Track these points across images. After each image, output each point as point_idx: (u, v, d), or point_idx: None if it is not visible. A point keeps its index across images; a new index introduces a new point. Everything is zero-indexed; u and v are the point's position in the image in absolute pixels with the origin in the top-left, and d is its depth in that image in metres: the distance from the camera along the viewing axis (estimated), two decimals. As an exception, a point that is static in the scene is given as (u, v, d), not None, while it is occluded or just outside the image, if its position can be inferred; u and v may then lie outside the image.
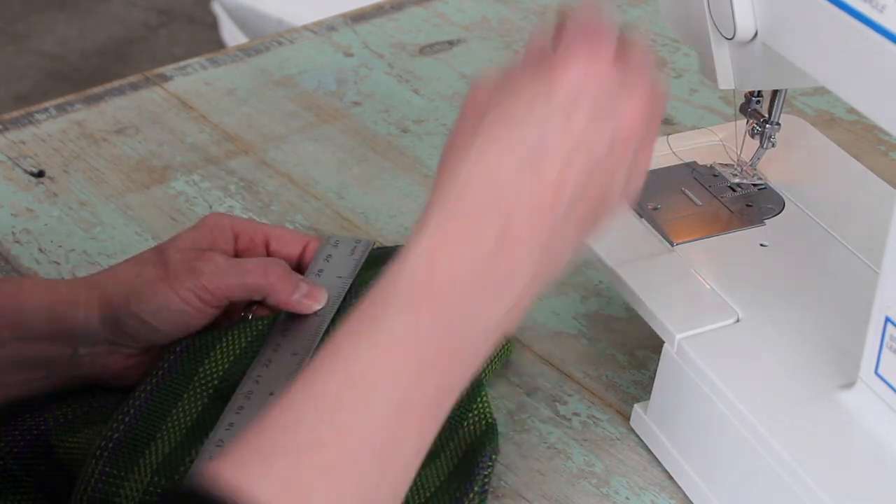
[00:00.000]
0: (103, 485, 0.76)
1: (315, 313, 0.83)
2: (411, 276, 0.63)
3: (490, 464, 0.79)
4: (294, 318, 0.83)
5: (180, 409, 0.81)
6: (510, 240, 0.64)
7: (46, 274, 0.97)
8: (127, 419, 0.79)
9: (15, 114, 1.15)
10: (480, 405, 0.82)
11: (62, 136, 1.13)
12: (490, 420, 0.81)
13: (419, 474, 0.79)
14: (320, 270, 0.85)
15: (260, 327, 0.84)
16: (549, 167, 0.64)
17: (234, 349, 0.83)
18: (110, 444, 0.78)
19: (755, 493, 0.75)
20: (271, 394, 0.79)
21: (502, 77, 0.67)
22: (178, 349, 0.83)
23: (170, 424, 0.80)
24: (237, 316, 0.85)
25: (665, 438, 0.82)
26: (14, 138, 1.12)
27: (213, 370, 0.82)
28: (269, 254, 0.86)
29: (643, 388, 0.88)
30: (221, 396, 0.81)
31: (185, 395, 0.81)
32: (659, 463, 0.83)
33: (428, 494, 0.78)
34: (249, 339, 0.84)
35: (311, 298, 0.83)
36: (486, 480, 0.79)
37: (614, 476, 0.83)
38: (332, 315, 0.83)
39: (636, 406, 0.85)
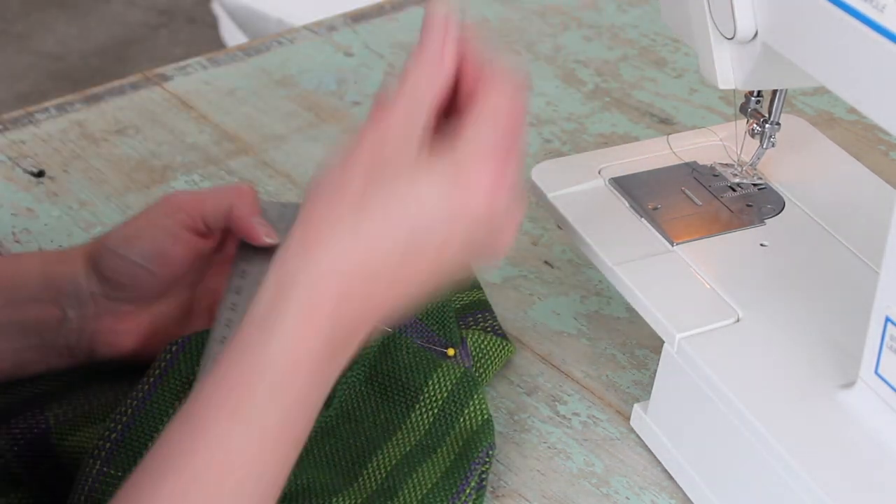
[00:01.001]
0: (101, 484, 0.76)
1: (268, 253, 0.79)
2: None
3: (487, 459, 0.79)
4: (249, 266, 0.82)
5: (178, 409, 0.81)
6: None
7: (46, 274, 0.98)
8: (125, 419, 0.79)
9: (15, 114, 1.15)
10: (477, 401, 0.82)
11: (62, 135, 1.13)
12: (486, 415, 0.81)
13: (415, 470, 0.79)
14: (248, 250, 0.83)
15: None
16: (424, 255, 0.66)
17: None
18: (108, 444, 0.78)
19: (755, 493, 0.75)
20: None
21: (404, 137, 0.67)
22: (174, 349, 0.83)
23: (167, 424, 0.80)
24: (222, 269, 0.85)
25: (665, 438, 0.82)
26: (14, 138, 1.12)
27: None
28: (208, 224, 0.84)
29: (643, 388, 0.88)
30: None
31: (183, 396, 0.81)
32: (659, 463, 0.83)
33: (424, 491, 0.78)
34: None
35: (267, 229, 0.81)
36: (483, 477, 0.79)
37: (614, 476, 0.83)
38: None
39: (636, 406, 0.85)
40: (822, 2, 0.73)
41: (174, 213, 0.81)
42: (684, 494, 0.81)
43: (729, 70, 0.84)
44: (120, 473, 0.76)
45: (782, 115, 0.89)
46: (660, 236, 0.87)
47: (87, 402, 0.83)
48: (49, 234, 1.02)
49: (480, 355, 0.87)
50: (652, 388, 0.83)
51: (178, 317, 0.85)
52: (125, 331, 0.83)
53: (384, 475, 0.79)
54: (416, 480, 0.78)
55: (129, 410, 0.80)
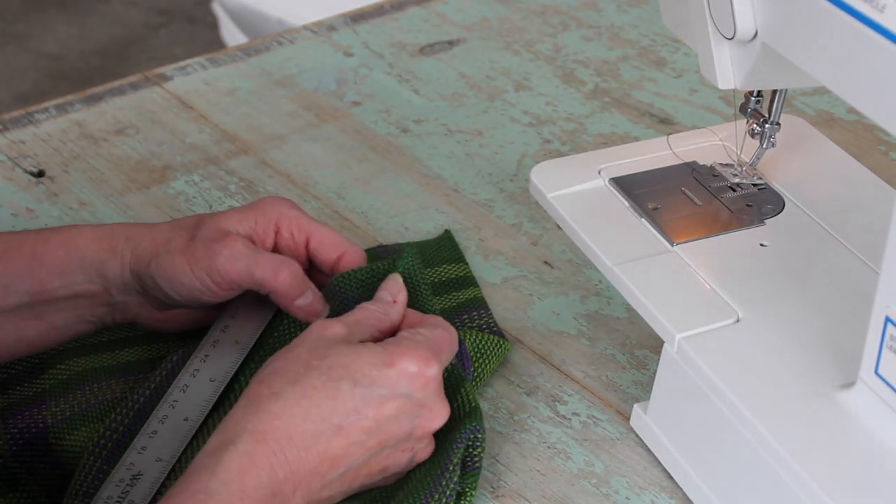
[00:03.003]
0: (101, 483, 0.76)
1: (236, 343, 0.85)
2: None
3: (473, 440, 0.79)
4: (216, 346, 0.84)
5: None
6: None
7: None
8: (127, 420, 0.80)
9: (15, 114, 1.15)
10: (464, 393, 0.82)
11: (62, 135, 1.13)
12: (473, 403, 0.81)
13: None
14: (243, 294, 0.85)
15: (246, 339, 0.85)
16: (346, 438, 0.73)
17: None
18: (109, 444, 0.78)
19: (755, 493, 0.75)
20: (185, 419, 0.80)
21: (344, 337, 0.77)
22: (175, 358, 0.83)
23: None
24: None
25: (665, 438, 0.82)
26: (14, 138, 1.12)
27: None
28: (308, 252, 0.87)
29: (643, 388, 0.88)
30: (218, 402, 0.82)
31: None
32: (659, 463, 0.83)
33: (418, 476, 0.78)
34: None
35: (311, 310, 0.84)
36: (475, 459, 0.79)
37: (614, 476, 0.83)
38: (249, 347, 0.84)
39: (636, 406, 0.85)
40: (822, 2, 0.73)
41: (213, 274, 0.83)
42: (684, 494, 0.81)
43: (729, 70, 0.84)
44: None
45: (782, 115, 0.89)
46: (660, 236, 0.87)
47: (84, 401, 0.83)
48: (49, 234, 1.01)
49: (478, 354, 0.87)
50: (652, 388, 0.83)
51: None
52: (168, 319, 0.86)
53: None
54: (410, 478, 0.79)
55: (132, 413, 0.80)
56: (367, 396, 0.74)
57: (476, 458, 0.79)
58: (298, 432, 0.72)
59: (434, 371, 0.76)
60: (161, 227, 0.85)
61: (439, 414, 0.77)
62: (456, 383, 0.82)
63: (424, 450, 0.78)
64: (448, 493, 0.76)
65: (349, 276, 0.85)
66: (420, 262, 0.89)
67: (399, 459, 0.77)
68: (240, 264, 0.82)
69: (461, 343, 0.85)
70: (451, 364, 0.84)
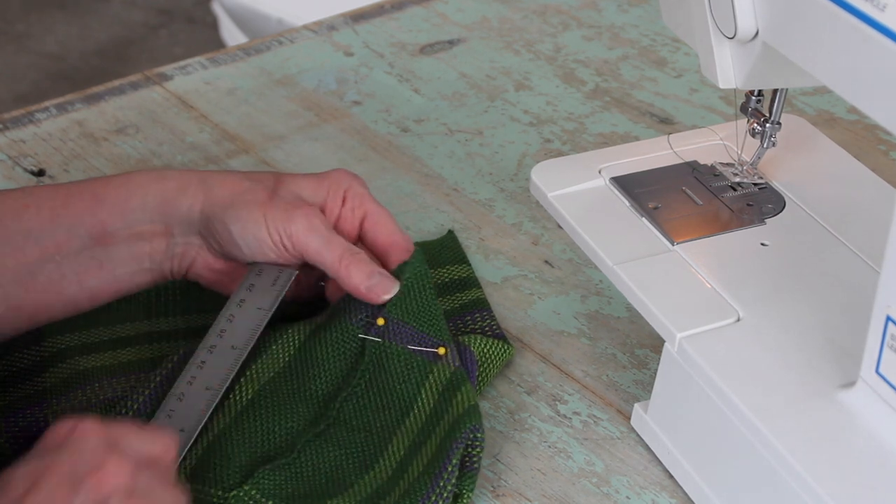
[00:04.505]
0: None
1: (233, 348, 0.83)
2: None
3: (474, 441, 0.79)
4: (213, 352, 0.84)
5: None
6: None
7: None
8: (130, 414, 0.80)
9: (15, 113, 1.15)
10: (463, 392, 0.82)
11: (62, 135, 1.13)
12: (472, 402, 0.81)
13: (409, 465, 0.79)
14: (242, 300, 0.86)
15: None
16: None
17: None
18: None
19: (755, 493, 0.75)
20: (207, 388, 0.80)
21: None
22: (176, 358, 0.84)
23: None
24: (310, 284, 0.89)
25: (665, 438, 0.82)
26: (14, 137, 1.12)
27: None
28: (361, 228, 0.89)
29: (644, 388, 0.88)
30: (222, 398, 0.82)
31: None
32: (659, 462, 0.83)
33: (416, 474, 0.78)
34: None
35: (381, 288, 0.85)
36: (473, 459, 0.79)
37: (615, 475, 0.83)
38: (246, 351, 0.84)
39: (636, 405, 0.85)
40: (822, 1, 0.73)
41: (285, 238, 0.84)
42: (684, 494, 0.81)
43: (729, 69, 0.84)
44: None
45: (783, 114, 0.89)
46: (660, 236, 0.87)
47: (86, 399, 0.83)
48: (49, 233, 1.01)
49: (483, 359, 0.87)
50: (652, 387, 0.83)
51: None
52: (219, 270, 0.87)
53: (383, 481, 0.79)
54: (407, 475, 0.79)
55: (135, 405, 0.80)
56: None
57: (475, 459, 0.79)
58: None
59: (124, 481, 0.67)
60: (237, 176, 0.87)
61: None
62: (457, 383, 0.82)
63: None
64: (445, 494, 0.76)
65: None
66: (425, 265, 0.89)
67: None
68: (313, 240, 0.84)
69: (466, 349, 0.86)
70: (453, 367, 0.84)
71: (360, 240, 0.89)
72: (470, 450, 0.79)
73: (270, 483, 0.77)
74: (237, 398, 0.82)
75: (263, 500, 0.76)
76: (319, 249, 0.84)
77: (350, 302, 0.86)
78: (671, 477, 0.82)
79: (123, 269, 0.85)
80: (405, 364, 0.84)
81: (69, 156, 1.10)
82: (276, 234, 0.84)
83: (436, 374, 0.84)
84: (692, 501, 0.81)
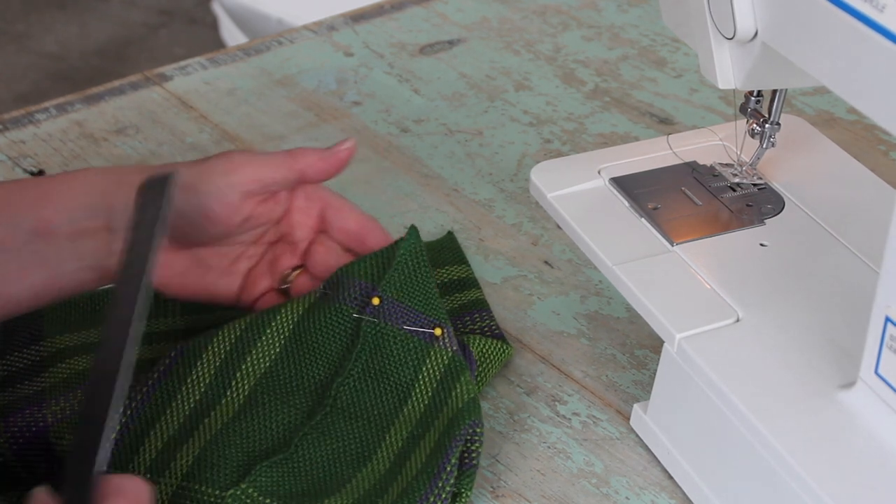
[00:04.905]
0: None
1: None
2: None
3: (473, 437, 0.79)
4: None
5: (173, 410, 0.81)
6: None
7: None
8: (124, 419, 0.80)
9: (15, 114, 1.15)
10: (463, 383, 0.82)
11: (62, 135, 1.13)
12: (472, 394, 0.81)
13: (407, 459, 0.79)
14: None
15: (239, 333, 0.85)
16: None
17: (221, 353, 0.84)
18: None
19: (755, 493, 0.75)
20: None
21: None
22: (172, 354, 0.83)
23: (163, 424, 0.80)
24: (273, 286, 0.88)
25: (665, 438, 0.82)
26: (14, 138, 1.12)
27: (203, 374, 0.83)
28: (324, 222, 0.89)
29: (643, 388, 0.88)
30: (210, 398, 0.82)
31: (180, 395, 0.82)
32: (659, 463, 0.83)
33: (410, 478, 0.78)
34: (231, 344, 0.85)
35: (336, 149, 0.87)
36: (473, 456, 0.78)
37: (614, 476, 0.83)
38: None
39: (636, 406, 0.85)
40: (822, 2, 0.73)
41: (229, 173, 0.84)
42: (684, 494, 0.81)
43: (729, 70, 0.84)
44: (118, 470, 0.76)
45: (782, 115, 0.89)
46: (660, 236, 0.87)
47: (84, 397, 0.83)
48: (49, 233, 1.01)
49: (483, 359, 0.87)
50: (652, 388, 0.83)
51: (220, 267, 0.87)
52: (169, 267, 0.86)
53: (380, 474, 0.79)
54: (405, 471, 0.79)
55: (129, 412, 0.80)
56: None
57: (473, 455, 0.79)
58: None
59: None
60: (173, 164, 0.86)
61: None
62: (455, 372, 0.82)
63: None
64: (444, 496, 0.76)
65: (355, 266, 0.86)
66: (421, 242, 0.89)
67: None
68: (255, 161, 0.84)
69: (466, 348, 0.86)
70: (451, 351, 0.84)
71: (323, 233, 0.88)
72: (469, 445, 0.79)
73: (268, 480, 0.77)
74: (235, 394, 0.82)
75: (261, 498, 0.76)
76: (264, 165, 0.84)
77: (343, 280, 0.85)
78: (670, 477, 0.82)
79: (66, 266, 0.83)
80: (401, 346, 0.84)
81: (69, 156, 1.10)
82: (221, 179, 0.83)
83: (433, 359, 0.84)
84: (691, 502, 0.80)
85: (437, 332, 0.85)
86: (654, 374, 0.83)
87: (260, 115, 1.16)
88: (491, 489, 0.81)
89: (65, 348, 0.87)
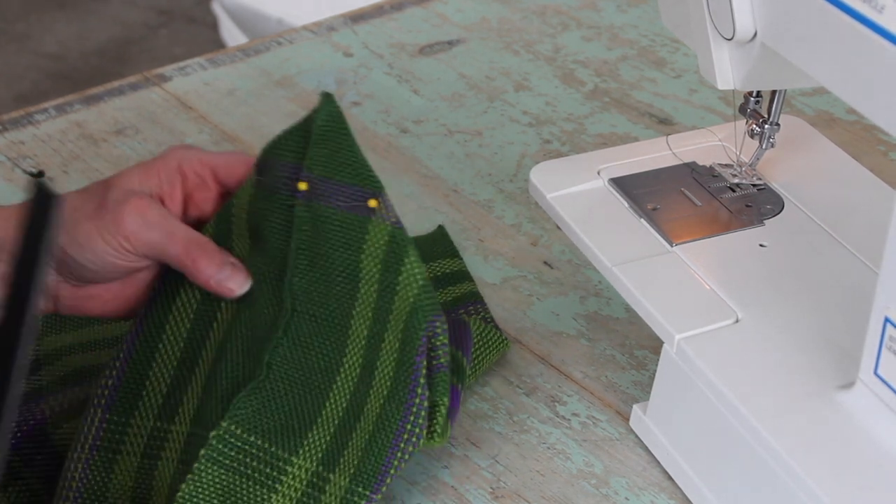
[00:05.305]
0: (105, 432, 0.75)
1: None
2: None
3: (433, 331, 0.75)
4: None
5: (162, 350, 0.79)
6: None
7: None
8: (118, 363, 0.78)
9: (15, 114, 1.15)
10: (409, 264, 0.77)
11: (62, 136, 1.13)
12: (421, 279, 0.76)
13: (374, 366, 0.76)
14: None
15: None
16: None
17: (188, 315, 0.81)
18: (106, 391, 0.77)
19: (755, 494, 0.75)
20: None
21: None
22: (142, 311, 0.81)
23: (159, 364, 0.79)
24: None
25: (664, 439, 0.82)
26: (14, 138, 1.12)
27: (175, 336, 0.80)
28: (219, 183, 0.82)
29: (643, 389, 0.88)
30: (197, 338, 0.80)
31: (164, 333, 0.80)
32: (658, 463, 0.83)
33: (385, 393, 0.76)
34: (198, 302, 0.81)
35: (232, 283, 0.79)
36: (439, 353, 0.75)
37: (614, 476, 0.83)
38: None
39: (635, 406, 0.85)
40: (821, 2, 0.73)
41: (124, 242, 0.78)
42: (683, 495, 0.81)
43: (728, 70, 0.84)
44: (123, 419, 0.76)
45: (782, 115, 0.89)
46: (659, 237, 0.87)
47: (83, 393, 0.83)
48: (48, 234, 1.01)
49: (481, 343, 0.86)
50: (651, 388, 0.83)
51: (145, 280, 0.82)
52: (91, 297, 0.81)
53: (350, 391, 0.76)
54: (374, 391, 0.76)
55: (121, 353, 0.79)
56: None
57: (440, 353, 0.75)
58: None
59: None
60: (69, 195, 0.81)
61: None
62: (400, 249, 0.77)
63: None
64: (420, 421, 0.74)
65: (278, 144, 0.80)
66: (338, 108, 0.82)
67: None
68: (151, 234, 0.78)
69: (465, 326, 0.84)
70: (389, 225, 0.78)
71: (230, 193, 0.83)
72: (433, 342, 0.76)
73: (248, 411, 0.73)
74: (221, 323, 0.79)
75: (245, 436, 0.73)
76: (161, 243, 0.78)
77: (270, 161, 0.80)
78: (670, 478, 0.82)
79: None
80: (339, 226, 0.79)
81: (68, 157, 1.10)
82: (113, 240, 0.77)
83: (372, 235, 0.78)
84: (691, 502, 0.80)
85: (373, 203, 0.79)
86: (654, 374, 0.83)
87: (259, 115, 1.16)
88: (490, 490, 0.81)
89: (61, 347, 0.87)
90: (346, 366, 0.77)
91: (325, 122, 0.80)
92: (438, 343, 0.76)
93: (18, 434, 0.80)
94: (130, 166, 0.82)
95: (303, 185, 0.79)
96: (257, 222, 0.80)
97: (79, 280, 0.80)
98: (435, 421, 0.76)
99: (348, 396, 0.76)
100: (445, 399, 0.75)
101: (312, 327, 0.77)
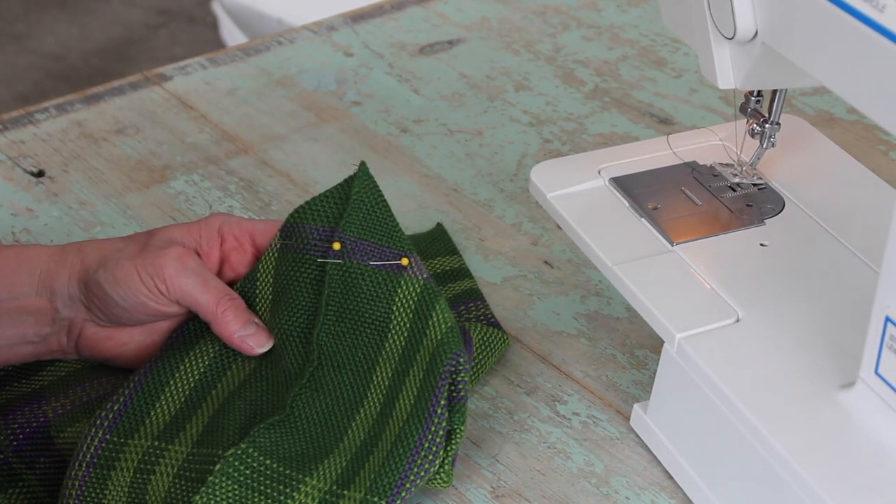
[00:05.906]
0: (102, 451, 0.76)
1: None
2: None
3: (456, 366, 0.77)
4: None
5: (177, 382, 0.82)
6: None
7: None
8: (127, 391, 0.80)
9: (15, 114, 1.15)
10: (439, 311, 0.80)
11: (62, 135, 1.13)
12: (450, 323, 0.80)
13: (395, 397, 0.78)
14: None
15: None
16: None
17: (206, 355, 0.84)
18: (111, 415, 0.78)
19: (755, 493, 0.75)
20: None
21: None
22: (170, 339, 0.83)
23: (168, 397, 0.81)
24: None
25: (665, 438, 0.82)
26: (14, 138, 1.12)
27: (187, 376, 0.83)
28: (255, 248, 0.86)
29: (643, 388, 0.88)
30: (215, 371, 0.82)
31: (183, 367, 0.82)
32: (659, 463, 0.83)
33: (405, 416, 0.78)
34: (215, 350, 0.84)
35: (254, 341, 0.83)
36: (460, 388, 0.77)
37: (614, 476, 0.83)
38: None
39: (636, 406, 0.85)
40: (822, 2, 0.73)
41: (159, 283, 0.81)
42: (684, 494, 0.81)
43: (729, 70, 0.84)
44: (122, 440, 0.77)
45: (782, 114, 0.89)
46: (660, 236, 0.87)
47: (84, 394, 0.83)
48: (49, 233, 1.02)
49: (483, 346, 0.87)
50: (652, 388, 0.83)
51: (166, 331, 0.86)
52: (107, 337, 0.84)
53: (372, 420, 0.79)
54: (396, 413, 0.78)
55: (131, 384, 0.80)
56: None
57: (461, 387, 0.77)
58: None
59: None
60: (113, 240, 0.85)
61: None
62: (430, 300, 0.81)
63: None
64: (438, 440, 0.76)
65: (306, 210, 0.85)
66: (372, 177, 0.87)
67: None
68: (187, 281, 0.81)
69: (465, 332, 0.85)
70: (422, 280, 0.82)
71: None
72: (455, 377, 0.78)
73: (266, 440, 0.76)
74: (239, 369, 0.82)
75: (261, 458, 0.75)
76: (194, 290, 0.82)
77: (298, 226, 0.84)
78: (670, 477, 0.82)
79: (5, 340, 0.82)
80: (370, 282, 0.83)
81: (69, 156, 1.10)
82: (150, 280, 0.81)
83: (404, 289, 0.82)
84: (691, 502, 0.80)
85: (405, 261, 0.83)
86: (654, 374, 0.83)
87: (260, 115, 1.16)
88: (491, 489, 0.81)
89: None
90: (367, 405, 0.80)
91: (362, 189, 0.85)
92: (461, 378, 0.78)
93: (21, 436, 0.80)
94: (174, 224, 0.87)
95: (337, 246, 0.83)
96: (283, 284, 0.84)
97: (106, 319, 0.83)
98: (450, 447, 0.77)
99: (367, 429, 0.79)
100: (463, 427, 0.77)
101: (336, 376, 0.81)
